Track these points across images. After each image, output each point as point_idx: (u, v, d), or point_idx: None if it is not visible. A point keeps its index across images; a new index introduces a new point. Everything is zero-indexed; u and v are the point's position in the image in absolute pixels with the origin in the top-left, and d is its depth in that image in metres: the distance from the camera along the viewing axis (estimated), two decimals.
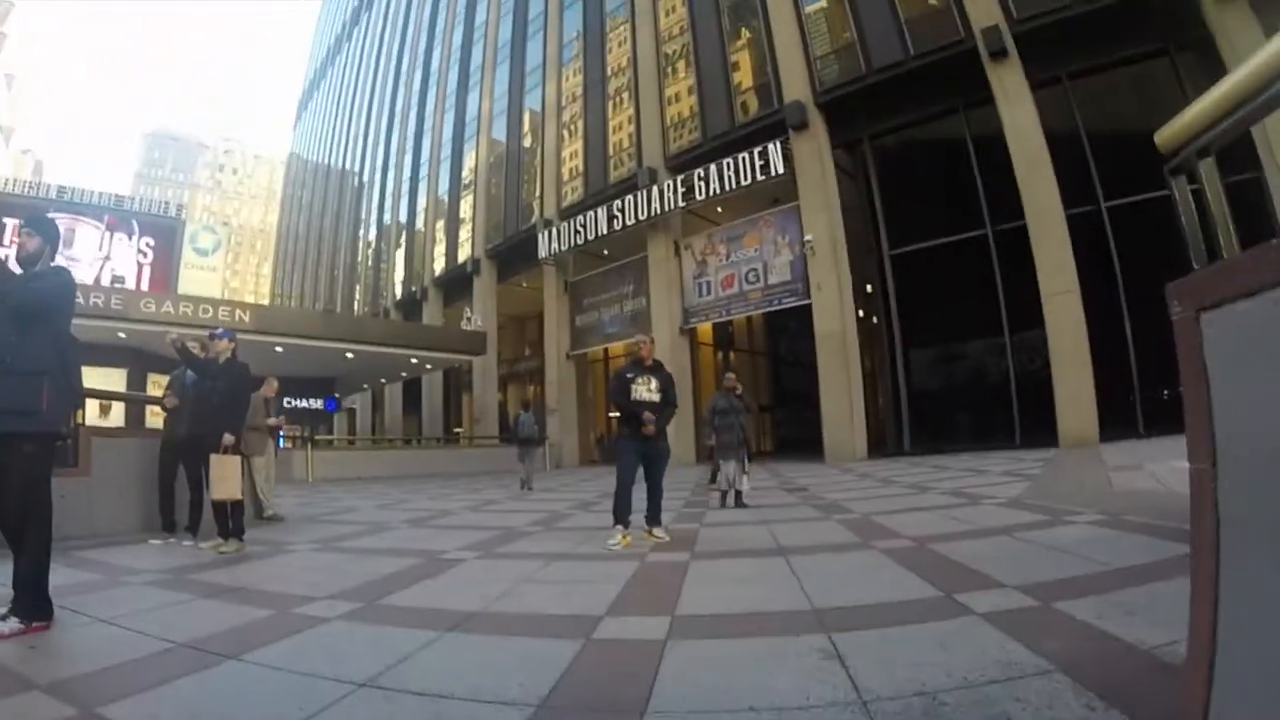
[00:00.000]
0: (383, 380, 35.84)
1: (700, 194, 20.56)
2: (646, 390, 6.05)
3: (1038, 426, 14.54)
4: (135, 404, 21.14)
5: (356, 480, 19.27)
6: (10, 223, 36.51)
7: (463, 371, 32.04)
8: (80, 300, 17.93)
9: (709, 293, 21.78)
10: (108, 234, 42.88)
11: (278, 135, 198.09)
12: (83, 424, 7.48)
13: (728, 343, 27.54)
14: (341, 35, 60.31)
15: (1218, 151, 1.76)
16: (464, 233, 33.24)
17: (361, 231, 47.35)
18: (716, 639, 2.94)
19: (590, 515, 8.29)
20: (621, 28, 26.14)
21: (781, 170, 18.61)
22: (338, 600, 3.90)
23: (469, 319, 29.31)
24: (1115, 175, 14.46)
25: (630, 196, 22.73)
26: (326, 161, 57.49)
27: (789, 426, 27.97)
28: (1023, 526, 5.26)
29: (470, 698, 2.33)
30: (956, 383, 17.33)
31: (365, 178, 47.80)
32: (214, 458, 6.12)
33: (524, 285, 29.89)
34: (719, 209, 21.71)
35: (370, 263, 45.19)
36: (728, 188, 19.84)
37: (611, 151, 25.58)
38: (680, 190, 21.10)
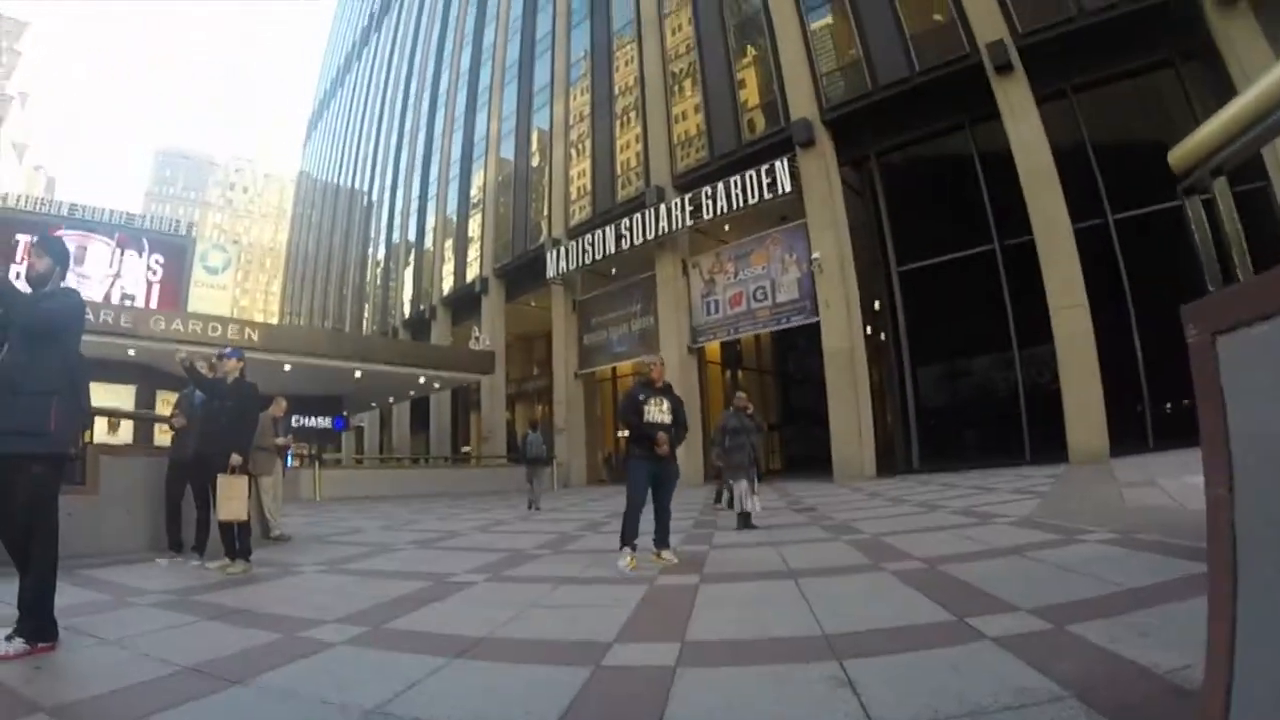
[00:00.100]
0: (391, 399, 35.90)
1: (707, 212, 20.59)
2: (659, 411, 6.04)
3: (1047, 442, 14.42)
4: (144, 422, 21.20)
5: (364, 499, 19.28)
6: (22, 239, 36.93)
7: (471, 391, 32.05)
8: (90, 317, 18.06)
9: (717, 311, 21.77)
10: (118, 251, 43.30)
11: (281, 135, 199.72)
12: (91, 442, 7.50)
13: (736, 361, 27.51)
14: (351, 55, 60.93)
15: (1231, 170, 1.74)
16: (472, 252, 33.36)
17: (370, 250, 47.59)
18: (726, 666, 2.90)
19: (599, 537, 8.25)
20: (628, 47, 26.31)
21: (789, 188, 18.63)
22: (344, 624, 3.88)
23: (477, 338, 29.40)
24: (1122, 188, 14.44)
25: (638, 215, 22.79)
26: (336, 181, 57.91)
27: (797, 445, 27.84)
28: (1034, 546, 5.20)
29: None
30: (965, 399, 17.26)
31: (374, 197, 48.11)
32: (221, 478, 6.12)
33: (532, 304, 29.93)
34: (726, 227, 21.74)
35: (379, 281, 45.37)
36: (735, 206, 19.87)
37: (619, 170, 25.69)
38: (688, 209, 21.15)
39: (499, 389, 29.98)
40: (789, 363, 30.21)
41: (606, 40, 27.60)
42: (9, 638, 3.18)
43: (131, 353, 21.25)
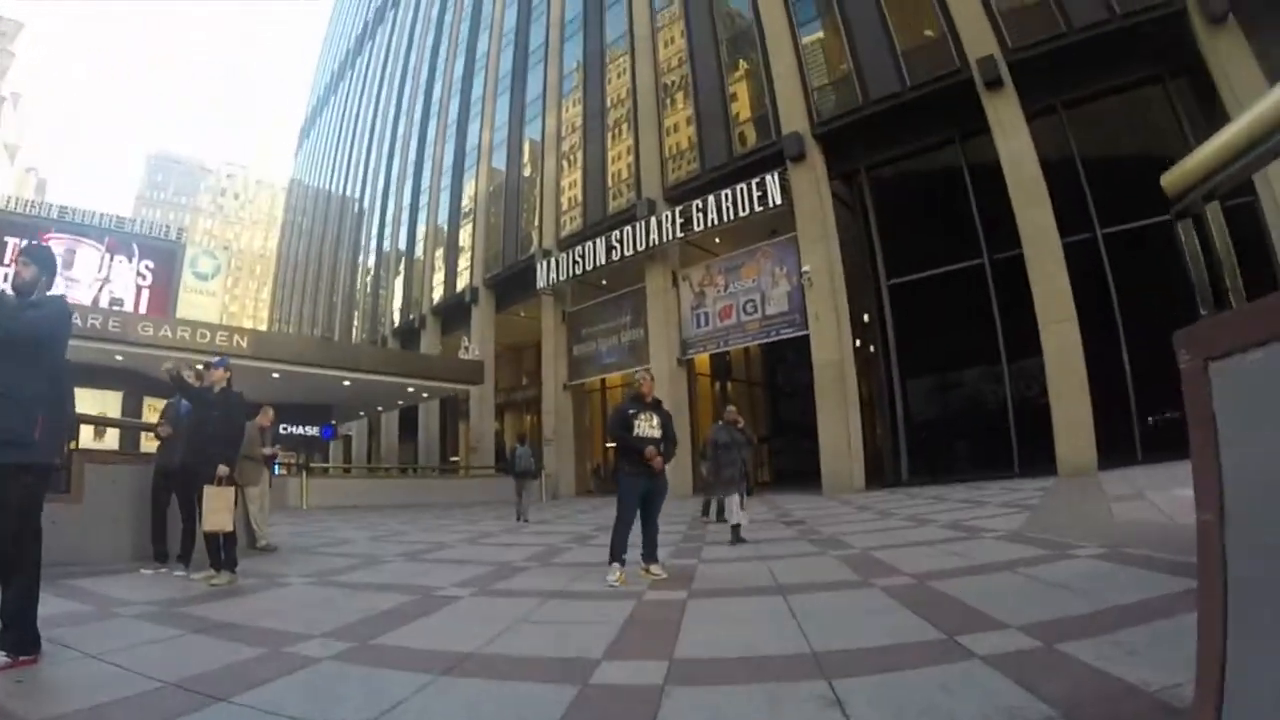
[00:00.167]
0: (379, 408, 35.72)
1: (698, 225, 20.63)
2: (649, 426, 6.06)
3: (1036, 454, 14.46)
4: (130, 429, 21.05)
5: (352, 509, 19.13)
6: (11, 241, 36.79)
7: (460, 400, 31.95)
8: (78, 321, 17.97)
9: (707, 323, 21.79)
10: (108, 256, 43.13)
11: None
12: (76, 449, 7.42)
13: (725, 373, 27.54)
14: (345, 63, 60.97)
15: (1223, 196, 1.75)
16: (463, 261, 33.35)
17: (361, 258, 47.49)
18: (715, 685, 2.88)
19: (586, 550, 8.21)
20: (621, 59, 26.40)
21: (779, 201, 18.71)
22: (330, 639, 3.85)
23: (466, 348, 29.31)
24: (1111, 202, 14.55)
25: (629, 227, 22.83)
26: (327, 188, 57.87)
27: (786, 457, 27.81)
28: (1024, 561, 5.21)
29: None
30: (954, 412, 17.29)
31: (365, 205, 48.04)
32: (208, 489, 6.05)
33: (522, 315, 29.89)
34: (717, 240, 21.79)
35: (369, 290, 45.28)
36: (726, 219, 19.93)
37: (610, 182, 25.73)
38: (678, 221, 21.18)
39: (488, 399, 29.89)
40: (778, 375, 30.20)
41: (600, 52, 27.69)
42: None
43: (119, 358, 21.08)
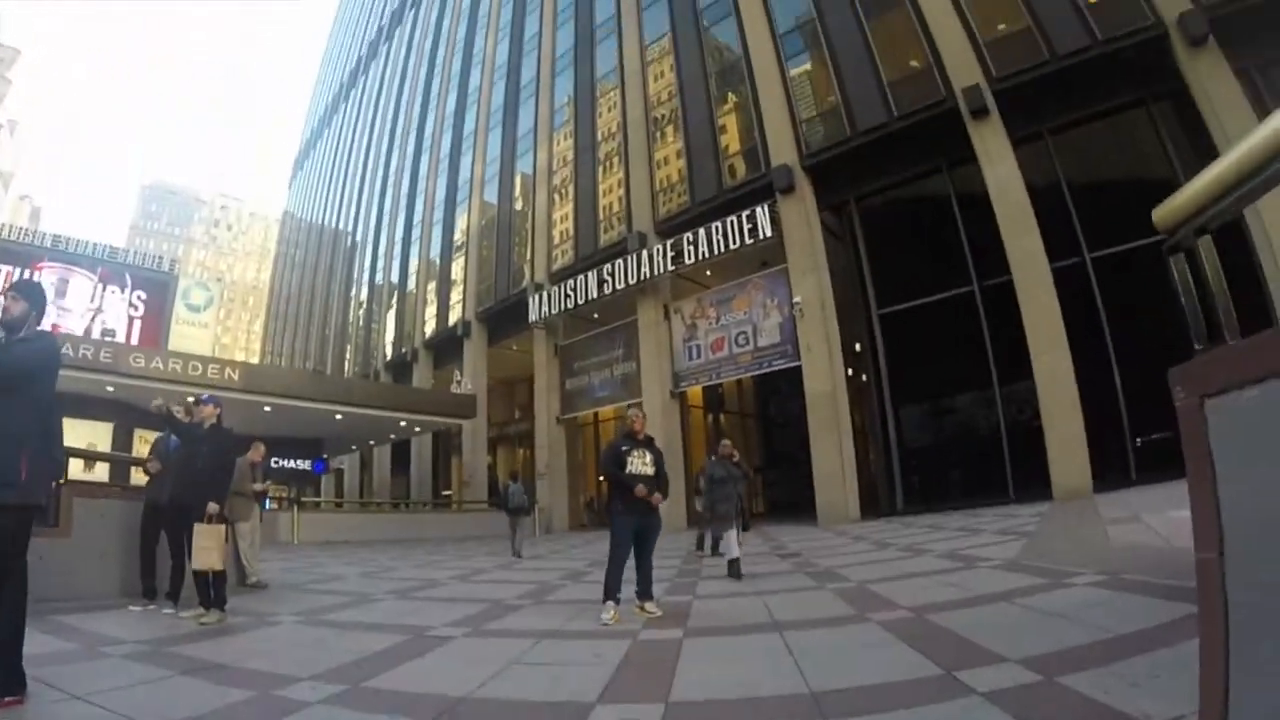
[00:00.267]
0: (371, 442, 35.52)
1: (689, 258, 20.72)
2: (642, 464, 6.05)
3: (1031, 479, 14.41)
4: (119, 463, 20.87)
5: (343, 544, 18.96)
6: (4, 269, 36.82)
7: (452, 434, 31.77)
8: (69, 351, 17.98)
9: (699, 356, 21.79)
10: (100, 286, 42.94)
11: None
12: (65, 482, 7.32)
13: (718, 405, 27.47)
14: (339, 96, 61.49)
15: (1215, 230, 1.76)
16: (455, 295, 33.33)
17: (353, 292, 47.47)
18: None
19: (580, 587, 8.12)
20: (612, 93, 26.66)
21: (769, 233, 18.82)
22: (321, 681, 3.78)
23: (459, 382, 29.25)
24: (1098, 226, 14.65)
25: (620, 260, 22.88)
26: (320, 220, 58.06)
27: (780, 488, 27.67)
28: (1021, 591, 5.18)
29: None
30: (948, 439, 17.26)
31: (358, 237, 48.14)
32: (198, 527, 5.98)
33: (514, 348, 29.79)
34: (708, 272, 21.88)
35: (361, 323, 45.19)
36: (716, 251, 20.03)
37: (601, 215, 25.84)
38: (669, 254, 21.27)
39: (480, 433, 29.74)
40: (771, 406, 30.14)
41: (590, 86, 27.97)
42: None
43: (110, 389, 20.98)
